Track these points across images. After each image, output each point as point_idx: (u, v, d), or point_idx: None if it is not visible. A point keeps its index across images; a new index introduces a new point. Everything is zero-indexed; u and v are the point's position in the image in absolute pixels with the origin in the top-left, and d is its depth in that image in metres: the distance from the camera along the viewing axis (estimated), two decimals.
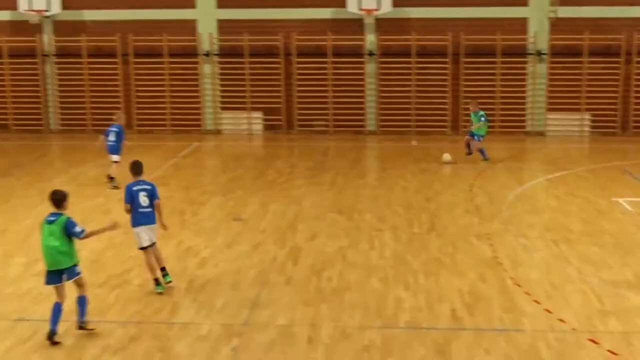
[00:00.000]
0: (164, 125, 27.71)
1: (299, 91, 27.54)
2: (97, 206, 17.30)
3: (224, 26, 27.56)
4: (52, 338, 10.11)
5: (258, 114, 27.88)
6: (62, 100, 28.25)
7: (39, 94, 28.16)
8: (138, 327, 10.65)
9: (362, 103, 27.51)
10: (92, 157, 23.41)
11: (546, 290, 11.89)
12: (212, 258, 13.64)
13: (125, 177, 13.98)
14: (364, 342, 10.13)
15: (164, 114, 27.76)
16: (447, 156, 21.85)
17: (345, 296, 11.74)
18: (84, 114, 27.98)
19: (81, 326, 10.45)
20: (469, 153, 22.09)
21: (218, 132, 27.99)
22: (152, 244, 12.10)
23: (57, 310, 10.18)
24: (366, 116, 27.55)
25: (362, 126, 27.50)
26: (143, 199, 11.96)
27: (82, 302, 10.48)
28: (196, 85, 27.89)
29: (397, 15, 26.92)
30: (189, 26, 27.60)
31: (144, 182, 12.16)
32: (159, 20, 27.59)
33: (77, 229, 10.26)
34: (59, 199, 10.51)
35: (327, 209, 16.99)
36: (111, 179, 19.03)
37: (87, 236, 10.38)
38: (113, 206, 17.30)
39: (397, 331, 10.51)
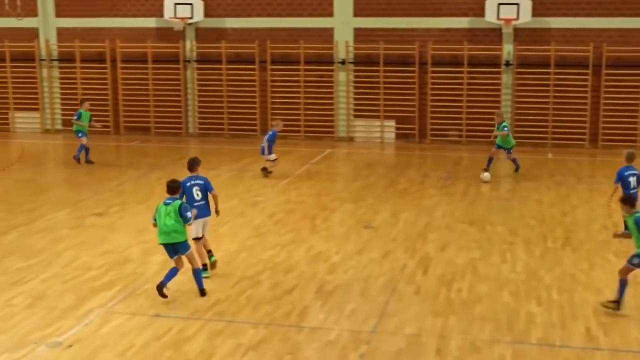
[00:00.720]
0: (297, 131, 28.10)
1: (433, 100, 27.35)
2: (230, 208, 17.69)
3: (360, 34, 27.71)
4: (161, 289, 11.67)
5: (391, 122, 27.87)
6: (200, 104, 29.09)
7: (179, 99, 29.09)
8: (268, 329, 10.83)
9: None
10: (229, 160, 24.02)
11: None
12: (342, 264, 13.71)
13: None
14: (494, 357, 9.96)
15: (298, 120, 28.15)
16: (486, 175, 20.78)
17: (475, 309, 11.57)
18: (221, 118, 28.72)
19: (202, 293, 12.00)
20: (516, 168, 21.74)
21: (351, 139, 28.14)
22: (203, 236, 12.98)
23: (173, 271, 11.87)
24: None
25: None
26: (196, 193, 12.81)
27: (197, 273, 12.07)
28: (330, 93, 28.15)
29: (536, 25, 26.35)
30: (326, 34, 27.90)
31: (197, 177, 13.00)
32: (296, 28, 28.02)
33: (188, 214, 11.83)
34: (175, 186, 12.08)
35: (459, 220, 16.80)
36: (265, 169, 21.20)
37: (190, 224, 12.06)
38: (246, 208, 17.68)
39: (528, 347, 10.27)
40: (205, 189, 12.95)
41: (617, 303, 11.36)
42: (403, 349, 10.18)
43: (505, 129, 21.34)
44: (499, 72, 26.89)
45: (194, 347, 10.22)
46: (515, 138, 26.65)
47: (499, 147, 21.51)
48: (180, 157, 25.15)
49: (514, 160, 21.74)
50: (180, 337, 10.52)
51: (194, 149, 27.18)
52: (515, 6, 26.00)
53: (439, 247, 14.76)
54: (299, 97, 28.11)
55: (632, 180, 14.61)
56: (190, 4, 28.03)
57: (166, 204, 11.83)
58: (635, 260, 11.19)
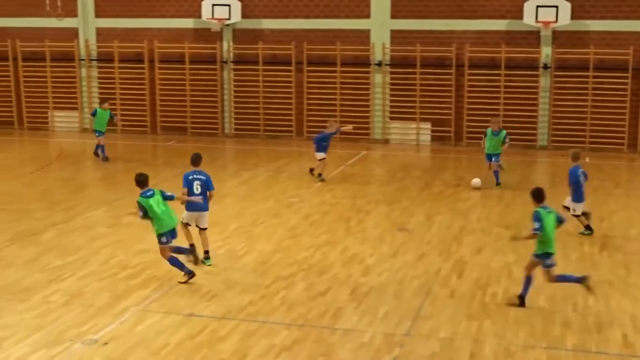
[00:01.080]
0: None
1: (469, 103, 27.21)
2: (266, 209, 17.76)
3: (397, 36, 27.66)
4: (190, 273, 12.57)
5: (427, 125, 27.77)
6: (237, 105, 29.22)
7: (215, 99, 29.24)
8: (302, 330, 10.85)
9: (534, 117, 26.84)
10: (264, 161, 24.11)
11: None
12: (376, 266, 13.69)
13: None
14: None
15: (334, 121, 28.09)
16: (476, 181, 20.03)
17: (510, 313, 11.49)
18: (257, 119, 28.82)
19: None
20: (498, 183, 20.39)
21: (386, 141, 28.08)
22: (204, 229, 13.57)
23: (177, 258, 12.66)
24: (538, 130, 26.87)
25: (533, 140, 26.84)
26: (196, 187, 13.33)
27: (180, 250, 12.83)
28: (366, 95, 28.12)
29: (575, 28, 26.09)
30: (362, 36, 27.88)
31: (200, 173, 13.49)
32: (333, 30, 28.03)
33: (169, 193, 12.69)
34: (143, 180, 12.61)
35: (494, 224, 16.69)
36: (316, 172, 20.97)
37: (177, 199, 12.87)
38: (282, 209, 17.72)
39: (563, 353, 10.18)
40: (206, 185, 13.39)
41: (521, 298, 11.72)
42: (437, 353, 10.15)
43: (508, 138, 20.45)
44: (536, 75, 26.68)
45: (227, 347, 10.26)
46: (552, 142, 26.61)
47: (490, 156, 20.40)
48: (216, 157, 25.34)
49: (496, 173, 20.40)
50: (214, 337, 10.58)
51: (229, 149, 27.33)
52: (554, 9, 25.78)
53: (474, 251, 14.68)
54: (334, 99, 28.11)
55: (582, 178, 15.78)
56: (228, 5, 28.16)
57: (148, 197, 12.44)
58: (538, 258, 11.72)
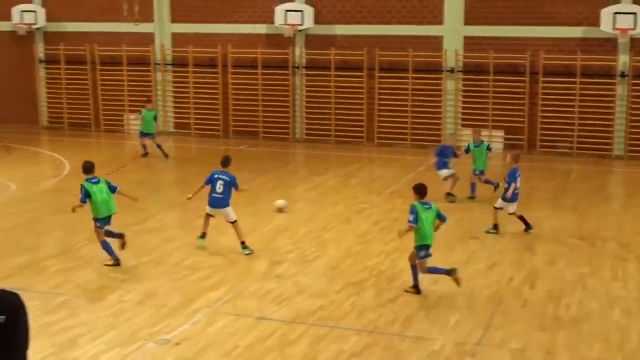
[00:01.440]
0: (404, 139, 28.00)
1: (543, 111, 26.80)
2: (336, 215, 17.78)
3: (470, 43, 27.43)
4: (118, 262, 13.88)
5: (499, 133, 27.44)
6: (308, 111, 29.35)
7: (287, 104, 29.42)
8: (371, 337, 10.83)
9: (610, 126, 26.30)
10: (335, 167, 24.16)
11: None
12: None
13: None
14: None
15: (405, 128, 28.05)
16: (281, 202, 18.10)
17: (584, 326, 11.27)
18: (329, 125, 28.89)
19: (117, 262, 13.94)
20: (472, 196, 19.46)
21: (458, 149, 27.79)
22: (233, 222, 14.66)
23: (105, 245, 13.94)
24: (614, 140, 26.32)
25: (608, 150, 26.31)
26: (219, 187, 14.49)
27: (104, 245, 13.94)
28: (438, 102, 27.93)
29: None
30: (435, 42, 27.73)
31: (226, 174, 14.65)
32: (406, 37, 27.95)
33: (114, 184, 13.98)
34: (90, 166, 13.80)
35: (568, 234, 16.40)
36: (448, 194, 19.12)
37: (120, 193, 14.07)
38: (352, 215, 17.72)
39: None
40: (230, 185, 14.55)
41: (416, 288, 12.52)
42: None
43: (490, 149, 19.49)
44: (613, 84, 26.14)
45: (297, 351, 10.31)
46: (629, 152, 26.03)
47: (481, 172, 19.39)
48: (287, 162, 25.49)
49: (473, 185, 19.42)
50: (285, 341, 10.64)
51: (300, 154, 27.45)
52: (633, 16, 25.23)
53: (547, 261, 14.45)
54: (406, 106, 27.99)
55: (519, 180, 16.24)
56: (301, 11, 28.33)
57: (94, 183, 13.65)
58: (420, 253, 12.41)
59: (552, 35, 26.54)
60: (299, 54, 29.15)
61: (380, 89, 28.32)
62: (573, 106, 26.37)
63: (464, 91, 27.75)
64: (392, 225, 16.85)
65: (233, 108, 29.90)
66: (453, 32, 27.48)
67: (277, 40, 29.15)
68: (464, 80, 27.68)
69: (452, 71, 27.59)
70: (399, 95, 28.14)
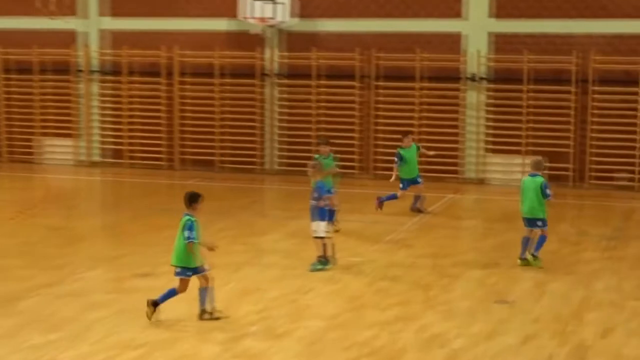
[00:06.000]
0: None
1: (595, 131, 26.87)
2: (317, 272, 17.67)
3: (499, 42, 27.61)
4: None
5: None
6: (282, 132, 29.52)
7: (254, 124, 29.61)
8: None
9: None
10: None
11: None
12: (466, 351, 13.44)
13: None
14: None
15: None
16: None
17: None
18: (309, 151, 28.87)
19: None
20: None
21: (481, 181, 27.90)
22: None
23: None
24: None
25: None
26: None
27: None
28: (455, 119, 28.00)
29: None
30: (451, 41, 27.92)
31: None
32: (411, 33, 28.09)
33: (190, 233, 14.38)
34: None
35: (629, 295, 16.35)
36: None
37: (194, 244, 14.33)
38: (338, 272, 17.60)
39: None
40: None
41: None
42: None
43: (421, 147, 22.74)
44: None
45: None
46: None
47: (412, 180, 22.58)
48: (254, 200, 25.42)
49: (391, 197, 22.51)
50: None
51: (271, 190, 27.49)
52: None
53: (600, 332, 14.37)
54: (412, 124, 27.99)
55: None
56: (274, 0, 28.39)
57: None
58: None
59: (606, 30, 26.75)
60: (271, 57, 29.21)
61: (378, 101, 28.40)
62: (634, 124, 26.45)
63: (490, 105, 27.86)
64: (391, 286, 16.77)
65: (181, 129, 29.95)
66: (475, 27, 27.61)
67: (241, 40, 29.29)
68: (490, 90, 27.82)
69: (473, 78, 27.70)
70: (402, 111, 28.26)
